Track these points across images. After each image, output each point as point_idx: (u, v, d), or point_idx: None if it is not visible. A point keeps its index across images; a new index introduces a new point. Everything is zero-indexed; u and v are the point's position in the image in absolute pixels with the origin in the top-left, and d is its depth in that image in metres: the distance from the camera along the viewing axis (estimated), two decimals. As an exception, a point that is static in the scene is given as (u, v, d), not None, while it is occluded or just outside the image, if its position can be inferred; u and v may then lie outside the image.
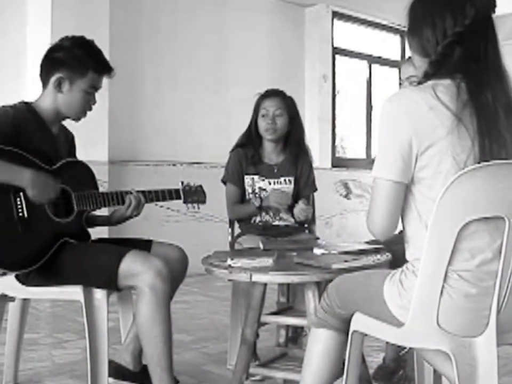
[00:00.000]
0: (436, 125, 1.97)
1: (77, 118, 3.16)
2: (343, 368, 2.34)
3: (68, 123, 3.26)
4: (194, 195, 3.48)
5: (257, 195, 4.02)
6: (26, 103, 3.10)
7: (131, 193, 3.22)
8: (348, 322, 2.31)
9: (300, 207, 3.84)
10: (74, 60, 3.03)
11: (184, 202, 3.45)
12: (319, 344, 2.37)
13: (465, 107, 1.98)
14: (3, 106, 2.95)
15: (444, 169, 1.99)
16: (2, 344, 3.30)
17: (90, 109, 3.17)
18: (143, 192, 3.27)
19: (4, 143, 2.83)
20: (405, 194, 2.10)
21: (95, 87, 3.13)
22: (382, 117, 2.08)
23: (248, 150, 4.08)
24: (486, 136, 1.98)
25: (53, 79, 3.05)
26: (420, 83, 2.11)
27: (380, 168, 2.08)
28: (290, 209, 4.07)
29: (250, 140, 4.11)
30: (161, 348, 2.84)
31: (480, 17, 2.03)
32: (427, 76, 2.09)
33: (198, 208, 3.51)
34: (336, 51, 9.67)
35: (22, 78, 6.29)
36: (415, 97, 2.01)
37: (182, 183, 3.46)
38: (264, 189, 4.02)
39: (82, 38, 3.12)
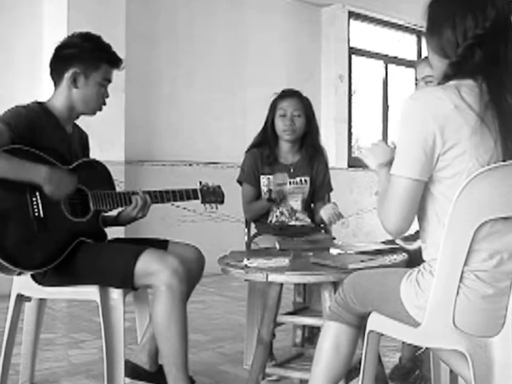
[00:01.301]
0: (460, 124, 1.96)
1: (92, 113, 3.17)
2: (358, 368, 2.34)
3: (84, 123, 3.27)
4: (212, 195, 3.47)
5: (268, 188, 3.98)
6: (39, 102, 3.10)
7: (137, 193, 3.23)
8: (361, 317, 2.31)
9: (333, 211, 3.70)
10: (87, 53, 3.05)
11: (202, 202, 3.44)
12: (329, 338, 2.36)
13: (487, 108, 1.97)
14: (16, 107, 2.96)
15: (466, 169, 1.97)
16: (18, 344, 3.30)
17: (104, 103, 3.18)
18: (160, 192, 3.27)
19: (20, 143, 2.84)
20: (423, 194, 2.08)
21: (108, 80, 3.15)
22: (405, 114, 2.06)
23: (263, 150, 4.07)
24: (508, 138, 1.96)
25: (67, 75, 3.05)
26: (438, 84, 2.09)
27: (400, 166, 2.06)
28: (306, 209, 4.07)
29: (266, 140, 4.09)
30: (177, 347, 2.84)
31: (501, 18, 2.01)
32: (447, 77, 2.07)
33: (216, 208, 3.51)
34: (352, 51, 9.66)
35: (39, 79, 6.29)
36: (440, 95, 1.99)
37: (200, 183, 3.45)
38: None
39: (89, 33, 3.14)
